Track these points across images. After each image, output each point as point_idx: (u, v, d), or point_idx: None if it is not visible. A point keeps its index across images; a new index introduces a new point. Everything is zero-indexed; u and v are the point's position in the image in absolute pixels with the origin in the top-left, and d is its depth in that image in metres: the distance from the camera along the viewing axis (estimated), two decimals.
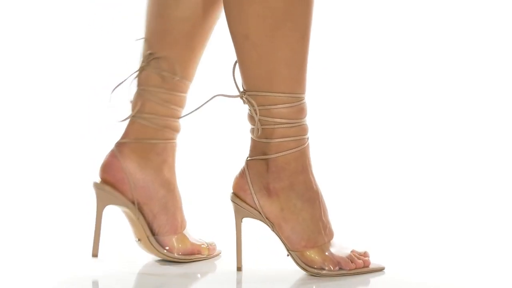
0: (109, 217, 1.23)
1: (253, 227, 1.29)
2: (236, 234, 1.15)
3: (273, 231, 1.13)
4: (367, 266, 1.14)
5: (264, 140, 1.12)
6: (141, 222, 1.20)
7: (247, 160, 1.14)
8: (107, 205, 1.21)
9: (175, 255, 1.20)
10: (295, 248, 1.12)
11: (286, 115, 1.10)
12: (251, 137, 1.14)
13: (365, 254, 1.16)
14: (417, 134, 2.22)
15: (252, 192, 1.13)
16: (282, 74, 1.10)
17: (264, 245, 1.35)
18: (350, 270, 1.12)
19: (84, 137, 2.17)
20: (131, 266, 1.19)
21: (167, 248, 1.20)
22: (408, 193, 1.95)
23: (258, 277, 1.13)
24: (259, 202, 1.12)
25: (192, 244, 1.22)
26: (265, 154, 1.12)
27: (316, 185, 1.14)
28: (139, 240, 1.21)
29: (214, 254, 1.25)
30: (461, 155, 2.17)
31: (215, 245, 1.25)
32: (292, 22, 1.08)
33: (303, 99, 1.12)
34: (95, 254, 1.21)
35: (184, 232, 1.22)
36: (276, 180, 1.12)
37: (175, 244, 1.20)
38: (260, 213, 1.13)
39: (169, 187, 1.22)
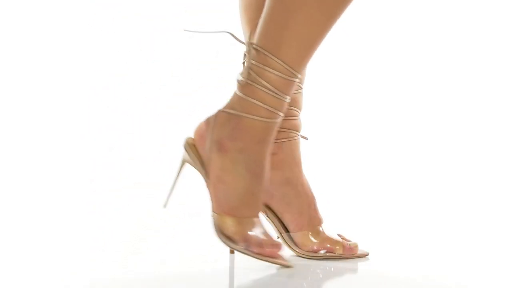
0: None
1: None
2: (175, 175, 1.16)
3: (207, 187, 1.13)
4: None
5: (242, 96, 1.12)
6: (272, 219, 1.22)
7: (218, 110, 1.14)
8: None
9: (300, 252, 1.21)
10: (217, 210, 1.12)
11: (274, 82, 1.11)
12: (234, 91, 1.14)
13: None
14: (413, 134, 2.23)
15: (209, 141, 1.13)
16: (291, 45, 1.11)
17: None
18: (254, 253, 1.12)
19: (84, 137, 2.17)
20: (125, 270, 1.19)
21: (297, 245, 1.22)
22: (408, 193, 1.95)
23: (249, 262, 1.13)
24: (209, 154, 1.13)
25: (322, 241, 1.21)
26: (236, 110, 1.12)
27: (267, 165, 1.14)
28: (278, 237, 1.23)
29: (352, 254, 1.22)
30: (457, 154, 2.17)
31: (356, 245, 1.22)
32: (323, 4, 1.10)
33: (296, 77, 1.13)
34: (232, 250, 1.21)
35: (320, 228, 1.22)
36: (232, 138, 1.12)
37: (300, 241, 1.21)
38: (203, 165, 1.13)
39: (292, 185, 1.23)
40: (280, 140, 1.23)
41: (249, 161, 1.12)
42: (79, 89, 2.22)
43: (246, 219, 1.12)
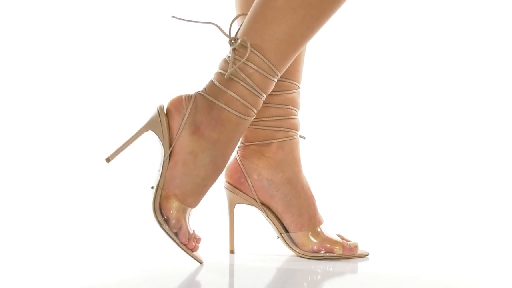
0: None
1: (246, 215, 1.30)
2: (133, 135, 1.14)
3: (164, 161, 1.12)
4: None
5: (222, 87, 1.12)
6: (271, 220, 1.23)
7: (198, 92, 1.14)
8: (235, 204, 1.25)
9: (300, 252, 1.21)
10: (168, 189, 1.12)
11: (254, 78, 1.11)
12: (212, 79, 1.14)
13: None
14: (412, 134, 2.23)
15: (184, 119, 1.13)
16: (277, 44, 1.11)
17: (256, 231, 1.39)
18: (180, 242, 1.12)
19: (84, 136, 2.17)
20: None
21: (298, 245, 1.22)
22: (407, 193, 1.95)
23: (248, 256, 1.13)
24: (181, 132, 1.13)
25: (322, 241, 1.22)
26: (217, 100, 1.12)
27: (224, 164, 1.14)
28: (277, 237, 1.24)
29: (352, 254, 1.23)
30: (457, 154, 2.17)
31: (356, 245, 1.22)
32: (314, 6, 1.10)
33: (276, 77, 1.13)
34: (232, 250, 1.25)
35: (318, 228, 1.22)
36: (210, 126, 1.12)
37: (300, 241, 1.21)
38: (170, 140, 1.13)
39: (292, 185, 1.23)
40: (279, 140, 1.23)
41: (216, 154, 1.13)
42: (79, 89, 2.22)
43: (187, 207, 1.14)
